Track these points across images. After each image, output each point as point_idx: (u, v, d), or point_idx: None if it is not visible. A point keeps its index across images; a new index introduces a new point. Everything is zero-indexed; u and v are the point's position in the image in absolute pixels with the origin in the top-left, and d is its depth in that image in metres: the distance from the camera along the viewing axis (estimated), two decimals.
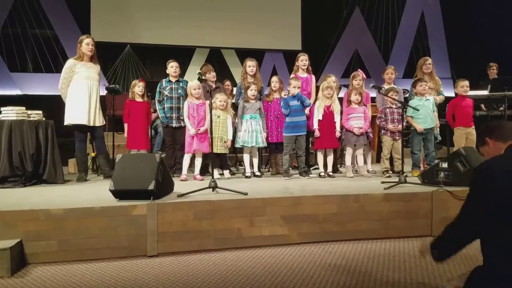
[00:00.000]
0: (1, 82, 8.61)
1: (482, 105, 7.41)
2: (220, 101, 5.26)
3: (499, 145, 2.07)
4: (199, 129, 5.11)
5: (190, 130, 5.11)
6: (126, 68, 9.63)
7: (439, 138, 6.07)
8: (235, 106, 5.78)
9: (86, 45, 5.12)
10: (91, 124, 5.16)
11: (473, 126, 5.60)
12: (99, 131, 5.36)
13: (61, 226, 3.36)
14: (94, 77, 5.18)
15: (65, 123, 5.14)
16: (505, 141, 2.05)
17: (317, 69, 9.17)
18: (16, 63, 8.81)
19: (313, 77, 5.83)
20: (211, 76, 5.83)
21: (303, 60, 5.75)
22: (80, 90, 5.07)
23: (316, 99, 5.48)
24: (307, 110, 5.32)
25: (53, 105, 5.45)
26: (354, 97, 5.35)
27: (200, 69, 5.86)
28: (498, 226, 1.86)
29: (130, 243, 3.45)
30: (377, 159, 6.31)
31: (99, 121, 5.24)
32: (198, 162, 5.21)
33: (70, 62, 5.14)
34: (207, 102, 5.19)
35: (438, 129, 5.86)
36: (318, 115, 5.28)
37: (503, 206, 1.83)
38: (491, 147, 2.12)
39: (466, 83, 5.61)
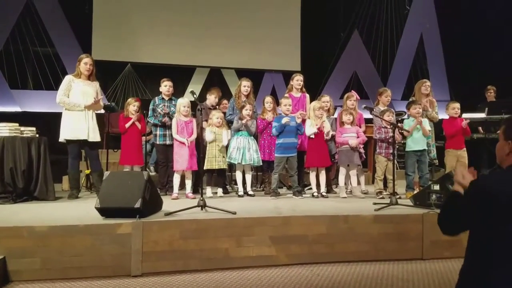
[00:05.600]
0: (1, 99, 8.67)
1: (480, 128, 7.39)
2: (217, 118, 5.29)
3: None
4: (188, 140, 5.14)
5: (184, 140, 5.11)
6: (126, 87, 9.68)
7: (436, 162, 6.05)
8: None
9: (84, 64, 5.15)
10: (89, 140, 5.13)
11: (464, 149, 5.58)
12: (94, 148, 5.35)
13: (45, 243, 3.33)
14: (90, 93, 5.19)
15: (60, 139, 5.13)
16: None
17: (316, 90, 9.19)
18: (17, 80, 8.86)
19: (307, 96, 5.88)
20: (211, 98, 5.93)
21: (298, 80, 5.82)
22: None
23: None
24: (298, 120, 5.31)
25: (52, 122, 5.47)
26: (345, 117, 5.37)
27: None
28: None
29: (114, 262, 3.41)
30: (373, 180, 6.25)
31: (94, 137, 5.20)
32: (189, 180, 5.19)
33: (67, 78, 5.19)
34: (194, 119, 5.28)
35: (434, 152, 5.84)
36: (309, 130, 5.27)
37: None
38: (506, 150, 1.94)
39: (457, 105, 5.63)
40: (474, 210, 1.85)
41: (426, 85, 5.95)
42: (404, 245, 3.91)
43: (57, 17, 9.07)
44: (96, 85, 5.33)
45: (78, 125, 5.07)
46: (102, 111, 5.83)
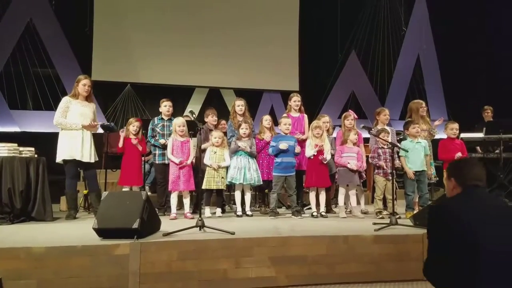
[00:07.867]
0: (0, 119, 8.68)
1: (478, 148, 7.42)
2: (215, 138, 5.28)
3: (457, 188, 2.11)
4: (184, 163, 5.11)
5: (175, 160, 5.09)
6: (126, 107, 9.72)
7: (437, 178, 6.04)
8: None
9: (83, 85, 5.18)
10: (84, 160, 5.12)
11: None
12: (91, 168, 5.33)
13: (42, 265, 3.30)
14: (88, 114, 5.20)
15: (57, 160, 5.12)
16: (462, 185, 2.09)
17: (314, 109, 9.25)
18: (16, 100, 8.90)
19: (305, 116, 5.91)
20: (212, 119, 5.96)
21: (296, 100, 5.86)
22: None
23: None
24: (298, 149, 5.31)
25: (51, 142, 5.43)
26: (354, 137, 5.39)
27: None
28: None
29: (112, 284, 3.36)
30: (372, 200, 6.23)
31: (92, 157, 5.20)
32: (187, 200, 5.17)
33: (65, 99, 5.21)
34: (192, 139, 5.29)
35: (434, 171, 5.83)
36: (309, 152, 5.28)
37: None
38: (450, 187, 2.15)
39: (456, 125, 5.65)
40: (440, 234, 1.94)
41: (423, 107, 5.95)
42: (405, 266, 3.87)
43: (57, 38, 9.16)
44: (93, 106, 5.35)
45: (74, 145, 5.07)
46: (101, 130, 5.85)
